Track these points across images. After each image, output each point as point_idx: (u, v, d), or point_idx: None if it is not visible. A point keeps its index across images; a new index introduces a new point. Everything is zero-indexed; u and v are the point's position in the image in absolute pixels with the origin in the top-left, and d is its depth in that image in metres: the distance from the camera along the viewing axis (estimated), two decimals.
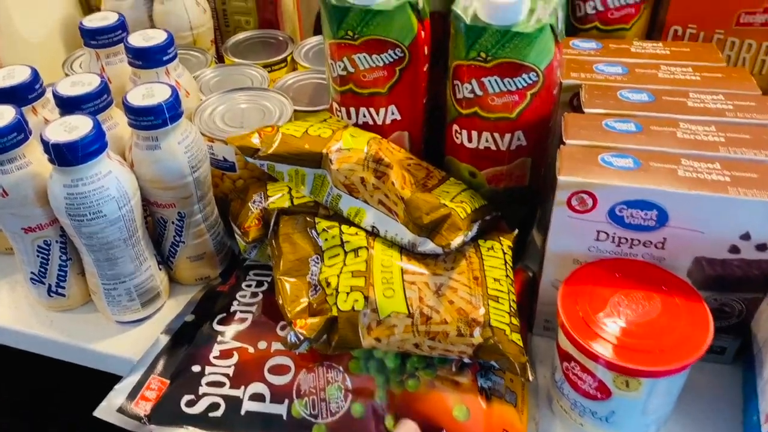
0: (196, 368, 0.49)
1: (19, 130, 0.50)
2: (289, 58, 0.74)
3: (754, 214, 0.44)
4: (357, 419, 0.46)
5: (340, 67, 0.54)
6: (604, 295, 0.46)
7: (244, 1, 0.78)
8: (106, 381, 0.52)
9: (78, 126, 0.49)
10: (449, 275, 0.48)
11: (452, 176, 0.56)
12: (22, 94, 0.55)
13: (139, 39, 0.59)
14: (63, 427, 0.81)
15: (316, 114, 0.59)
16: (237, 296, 0.55)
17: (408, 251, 0.49)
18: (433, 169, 0.55)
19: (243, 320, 0.52)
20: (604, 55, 0.59)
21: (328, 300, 0.46)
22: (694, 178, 0.45)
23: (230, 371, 0.49)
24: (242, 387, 0.48)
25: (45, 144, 0.48)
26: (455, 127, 0.55)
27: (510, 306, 0.48)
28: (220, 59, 0.79)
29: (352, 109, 0.57)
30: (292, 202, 0.53)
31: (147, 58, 0.59)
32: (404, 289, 0.46)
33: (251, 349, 0.50)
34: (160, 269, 0.58)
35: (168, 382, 0.49)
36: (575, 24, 0.63)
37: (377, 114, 0.56)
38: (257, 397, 0.47)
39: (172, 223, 0.57)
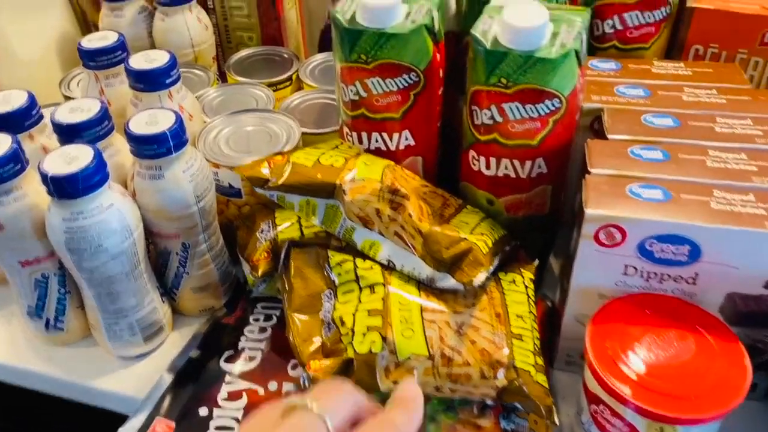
0: (203, 411, 0.47)
1: (16, 161, 0.47)
2: (294, 77, 0.71)
3: None
4: None
5: (352, 91, 0.52)
6: (634, 334, 0.44)
7: (247, 17, 0.75)
8: (108, 420, 0.49)
9: (78, 156, 0.46)
10: (470, 312, 0.45)
11: (469, 203, 0.54)
12: (19, 121, 0.52)
13: (141, 61, 0.57)
14: None
15: (326, 139, 0.57)
16: (245, 331, 0.53)
17: (426, 286, 0.47)
18: (449, 197, 0.53)
19: (252, 358, 0.50)
20: (624, 76, 0.57)
21: (343, 340, 0.44)
22: (727, 212, 0.43)
23: (239, 414, 0.46)
24: None
25: (43, 176, 0.45)
26: (472, 153, 0.52)
27: (534, 344, 0.46)
28: (222, 76, 0.76)
29: (364, 134, 0.54)
30: (302, 233, 0.51)
31: (149, 81, 0.56)
32: (424, 328, 0.44)
33: (261, 391, 0.48)
34: (163, 301, 0.56)
35: (174, 425, 0.47)
36: (593, 43, 0.61)
37: (390, 139, 0.54)
38: None
39: (176, 253, 0.54)
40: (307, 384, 0.43)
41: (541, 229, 0.55)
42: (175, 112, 0.50)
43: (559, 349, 0.52)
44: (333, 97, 0.66)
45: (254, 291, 0.54)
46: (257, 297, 0.56)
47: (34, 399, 0.57)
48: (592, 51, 0.61)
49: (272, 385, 0.48)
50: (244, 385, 0.48)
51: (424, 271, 0.46)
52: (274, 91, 0.69)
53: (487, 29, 0.47)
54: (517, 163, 0.50)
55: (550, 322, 0.54)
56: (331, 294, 0.47)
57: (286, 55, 0.74)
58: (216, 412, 0.47)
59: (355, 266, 0.47)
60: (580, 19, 0.48)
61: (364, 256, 0.48)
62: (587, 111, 0.53)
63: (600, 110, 0.52)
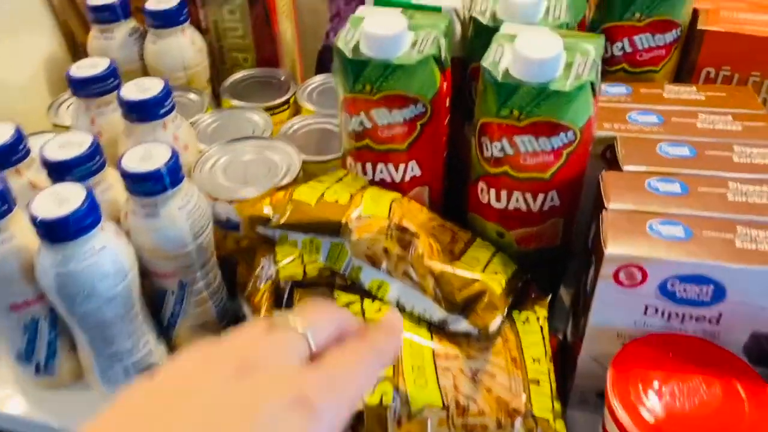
0: None
1: (2, 201, 0.45)
2: (291, 100, 0.69)
3: None
4: None
5: (356, 122, 0.50)
6: (657, 378, 0.42)
7: (242, 37, 0.73)
8: None
9: (69, 197, 0.44)
10: (485, 357, 0.43)
11: (478, 236, 0.52)
12: (5, 156, 0.50)
13: (134, 90, 0.54)
14: None
15: (328, 167, 0.55)
16: None
17: (438, 329, 0.45)
18: (457, 230, 0.51)
19: None
20: (636, 101, 0.55)
21: None
22: (753, 250, 0.41)
23: None
24: None
25: (33, 219, 0.43)
26: (481, 185, 0.50)
27: (551, 388, 0.44)
28: (216, 98, 0.74)
29: (369, 165, 0.52)
30: (305, 270, 0.48)
31: (143, 112, 0.54)
32: (437, 376, 0.42)
33: None
34: (159, 342, 0.53)
35: None
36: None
37: (396, 171, 0.52)
38: None
39: (172, 292, 0.52)
40: None
41: (551, 261, 0.53)
42: (170, 147, 0.48)
43: (573, 387, 0.50)
44: (333, 122, 0.64)
45: None
46: None
47: None
48: (601, 74, 0.59)
49: None
50: None
51: (436, 313, 0.44)
52: (271, 115, 0.66)
53: (497, 60, 0.45)
54: (528, 196, 0.49)
55: (561, 355, 0.52)
56: None
57: (282, 77, 0.72)
58: None
59: (363, 309, 0.45)
60: (593, 47, 0.46)
61: (372, 297, 0.46)
62: (599, 139, 0.51)
63: (612, 139, 0.51)
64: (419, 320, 0.45)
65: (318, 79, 0.71)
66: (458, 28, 0.54)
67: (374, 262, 0.46)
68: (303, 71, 0.79)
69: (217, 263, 0.55)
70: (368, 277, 0.46)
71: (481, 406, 0.41)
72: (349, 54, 0.47)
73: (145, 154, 0.47)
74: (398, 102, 0.48)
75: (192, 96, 0.69)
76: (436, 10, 0.52)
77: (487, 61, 0.45)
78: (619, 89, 0.56)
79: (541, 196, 0.48)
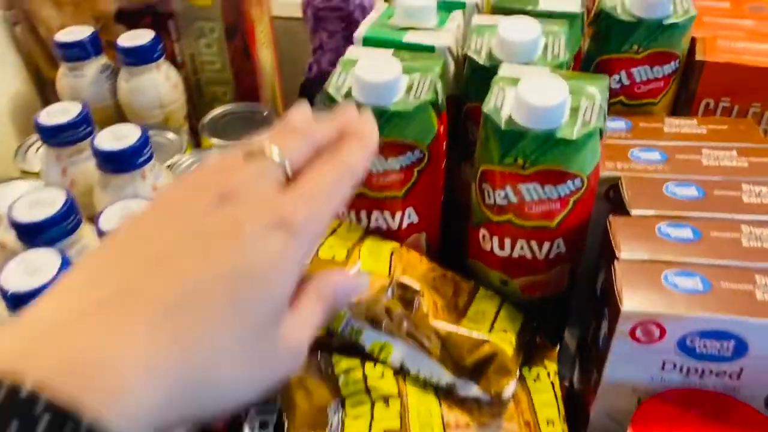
0: None
1: None
2: None
3: None
4: None
5: None
6: None
7: (220, 71, 0.70)
8: None
9: (40, 267, 0.40)
10: (498, 424, 0.41)
11: (481, 285, 0.49)
12: None
13: (109, 138, 0.51)
14: None
15: None
16: None
17: (447, 393, 0.42)
18: (459, 280, 0.49)
19: None
20: (636, 137, 0.53)
21: None
22: None
23: None
24: None
25: (2, 293, 0.39)
26: (483, 232, 0.48)
27: None
28: (194, 134, 0.71)
29: (363, 213, 0.49)
30: None
31: (119, 162, 0.50)
32: None
33: None
34: None
35: None
36: None
37: (392, 218, 0.49)
38: None
39: None
40: None
41: (557, 307, 0.51)
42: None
43: None
44: None
45: None
46: None
47: None
48: None
49: None
50: None
51: (444, 377, 0.42)
52: None
53: (499, 105, 0.43)
54: (534, 244, 0.46)
55: (569, 403, 0.50)
56: (338, 405, 0.42)
57: (265, 113, 0.69)
58: None
59: (365, 375, 0.42)
60: (598, 89, 0.44)
61: (375, 360, 0.43)
62: (602, 179, 0.49)
63: (615, 179, 0.49)
64: (426, 384, 0.43)
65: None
66: (451, 65, 0.51)
67: (375, 323, 0.43)
68: (284, 105, 0.76)
69: None
70: (369, 339, 0.43)
71: None
72: (341, 101, 0.44)
73: (123, 211, 0.44)
74: (394, 149, 0.45)
75: (170, 135, 0.65)
76: (429, 49, 0.50)
77: (488, 107, 0.43)
78: (618, 124, 0.54)
79: (547, 245, 0.46)
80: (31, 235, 0.45)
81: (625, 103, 0.57)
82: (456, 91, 0.52)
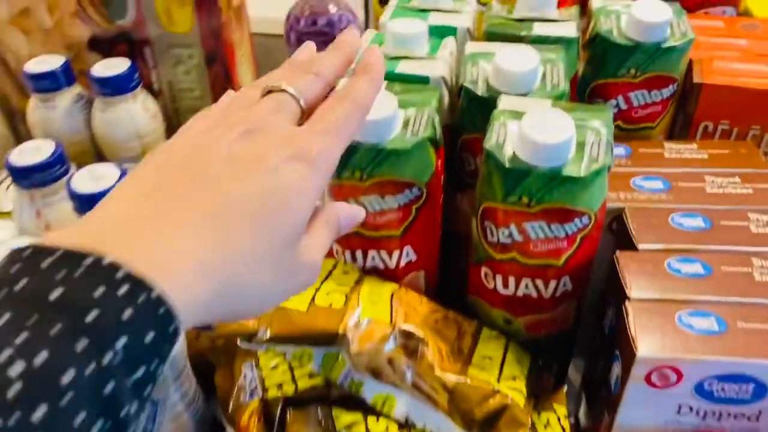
0: None
1: None
2: None
3: None
4: None
5: None
6: None
7: (200, 98, 0.67)
8: None
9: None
10: None
11: (484, 324, 0.47)
12: None
13: (86, 180, 0.48)
14: None
15: None
16: None
17: None
18: (462, 320, 0.47)
19: None
20: (637, 164, 0.51)
21: None
22: None
23: None
24: None
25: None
26: (485, 269, 0.46)
27: None
28: None
29: (359, 253, 0.47)
30: (295, 383, 0.43)
31: None
32: None
33: None
34: None
35: None
36: None
37: (390, 257, 0.47)
38: None
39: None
40: None
41: (563, 344, 0.49)
42: None
43: None
44: None
45: None
46: None
47: None
48: None
49: None
50: None
51: (452, 431, 0.39)
52: None
53: (501, 141, 0.41)
54: (539, 282, 0.44)
55: None
56: None
57: None
58: None
59: (368, 431, 0.40)
60: (603, 123, 0.42)
61: (377, 414, 0.41)
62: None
63: (619, 210, 0.47)
64: None
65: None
66: (446, 95, 0.49)
67: (377, 375, 0.41)
68: None
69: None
70: (371, 391, 0.41)
71: None
72: None
73: None
74: (392, 188, 0.43)
75: None
76: (423, 80, 0.48)
77: (490, 144, 0.41)
78: (617, 150, 0.53)
79: (553, 283, 0.44)
80: None
81: (622, 127, 0.55)
82: (451, 121, 0.50)
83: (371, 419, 0.41)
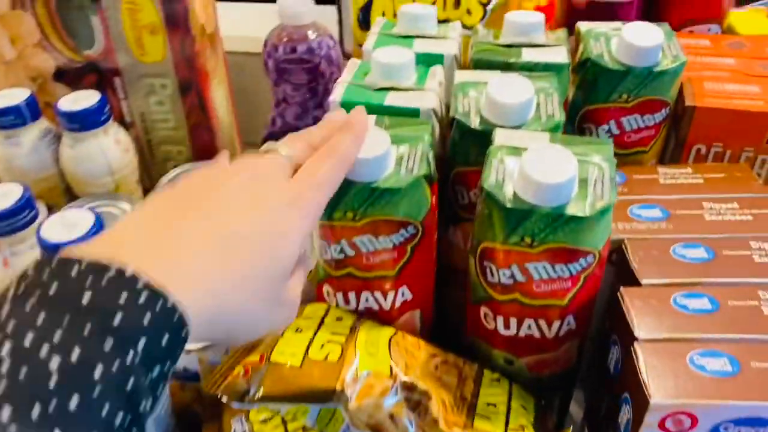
0: None
1: None
2: None
3: None
4: None
5: (335, 249, 0.43)
6: None
7: (174, 129, 0.64)
8: None
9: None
10: None
11: (484, 366, 0.45)
12: None
13: (57, 227, 0.45)
14: None
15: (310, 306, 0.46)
16: None
17: None
18: (462, 364, 0.45)
19: None
20: (633, 192, 0.50)
21: None
22: None
23: None
24: None
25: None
26: (485, 310, 0.44)
27: None
28: (147, 195, 0.65)
29: (352, 295, 0.45)
30: None
31: None
32: None
33: None
34: None
35: None
36: None
37: (384, 298, 0.45)
38: None
39: None
40: None
41: (566, 382, 0.48)
42: None
43: None
44: None
45: None
46: None
47: None
48: None
49: None
50: None
51: None
52: None
53: (501, 179, 0.39)
54: (542, 323, 0.43)
55: None
56: None
57: None
58: None
59: None
60: (604, 158, 0.41)
61: None
62: None
63: (619, 241, 0.46)
64: None
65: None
66: (437, 127, 0.47)
67: (378, 431, 0.38)
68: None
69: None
70: None
71: None
72: None
73: None
74: (386, 228, 0.41)
75: (123, 205, 0.59)
76: (413, 112, 0.46)
77: (488, 183, 0.39)
78: None
79: (557, 323, 0.42)
80: None
81: (615, 153, 0.54)
82: (441, 152, 0.48)
83: None
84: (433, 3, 0.61)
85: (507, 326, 0.43)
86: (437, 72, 0.49)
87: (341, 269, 0.44)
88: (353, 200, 0.40)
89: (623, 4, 0.61)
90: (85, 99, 0.58)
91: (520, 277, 0.41)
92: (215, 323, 0.29)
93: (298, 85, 0.59)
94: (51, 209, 0.60)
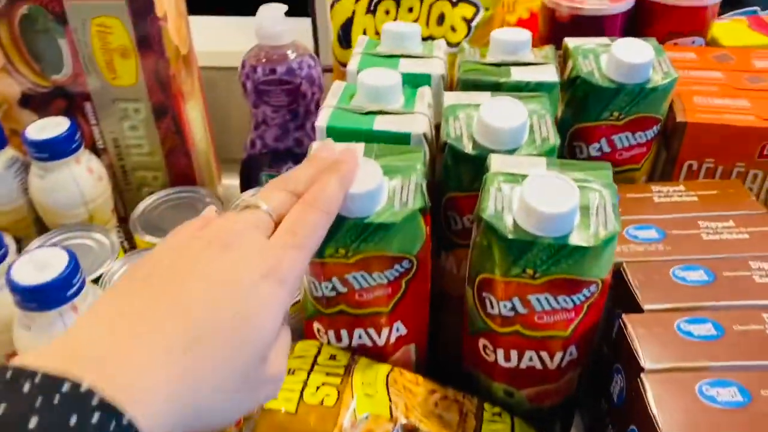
0: None
1: None
2: None
3: None
4: None
5: (326, 287, 0.41)
6: None
7: (149, 154, 0.62)
8: None
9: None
10: None
11: (484, 401, 0.44)
12: None
13: (28, 270, 0.42)
14: None
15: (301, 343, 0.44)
16: None
17: None
18: (462, 399, 0.43)
19: None
20: (628, 212, 0.48)
21: None
22: None
23: None
24: None
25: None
26: (484, 342, 0.42)
27: None
28: (122, 223, 0.62)
29: (344, 332, 0.43)
30: None
31: (43, 299, 0.42)
32: None
33: None
34: None
35: None
36: None
37: (378, 335, 0.43)
38: None
39: None
40: None
41: (566, 411, 0.46)
42: None
43: None
44: None
45: None
46: None
47: None
48: None
49: None
50: None
51: None
52: None
53: (500, 209, 0.38)
54: (545, 354, 0.41)
55: None
56: None
57: (206, 198, 0.61)
58: None
59: None
60: (604, 184, 0.39)
61: None
62: None
63: (617, 264, 0.44)
64: None
65: (247, 196, 0.61)
66: (427, 151, 0.45)
67: None
68: (221, 181, 0.69)
69: None
70: None
71: None
72: None
73: None
74: (380, 264, 0.39)
75: (97, 236, 0.56)
76: (404, 137, 0.44)
77: (488, 213, 0.37)
78: None
79: (559, 354, 0.41)
80: None
81: None
82: (431, 175, 0.47)
83: None
84: (416, 20, 0.60)
85: (507, 358, 0.42)
86: (425, 93, 0.48)
87: (333, 307, 0.42)
88: (345, 236, 0.38)
89: (607, 17, 0.60)
90: (54, 126, 0.55)
91: (521, 309, 0.39)
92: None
93: (278, 106, 0.57)
94: (20, 242, 0.57)
